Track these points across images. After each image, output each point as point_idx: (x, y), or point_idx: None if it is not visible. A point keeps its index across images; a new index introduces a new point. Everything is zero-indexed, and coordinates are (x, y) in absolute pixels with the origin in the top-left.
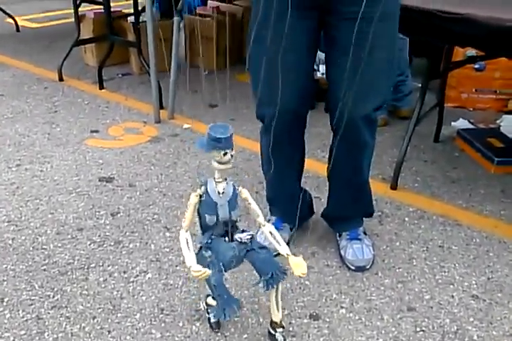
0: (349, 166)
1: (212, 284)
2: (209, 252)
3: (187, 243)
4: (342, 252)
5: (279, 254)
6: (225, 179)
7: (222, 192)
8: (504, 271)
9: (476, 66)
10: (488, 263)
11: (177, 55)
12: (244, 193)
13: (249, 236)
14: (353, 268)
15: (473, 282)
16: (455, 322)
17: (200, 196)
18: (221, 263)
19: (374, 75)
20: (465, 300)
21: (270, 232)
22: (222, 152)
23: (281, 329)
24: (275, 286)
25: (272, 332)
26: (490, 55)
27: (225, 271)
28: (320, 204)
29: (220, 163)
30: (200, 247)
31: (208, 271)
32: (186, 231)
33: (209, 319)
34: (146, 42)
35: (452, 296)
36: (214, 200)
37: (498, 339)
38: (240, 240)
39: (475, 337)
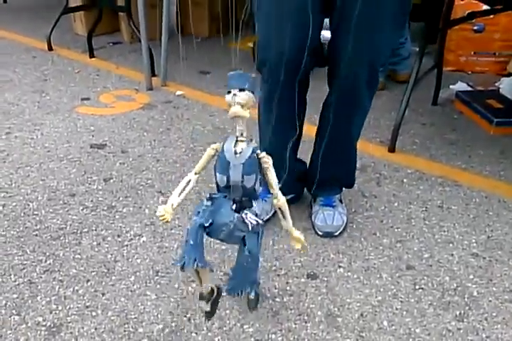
0: (339, 124)
1: (188, 228)
2: (209, 203)
3: (186, 184)
4: (312, 217)
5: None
6: (250, 140)
7: (240, 152)
8: (504, 230)
9: (475, 27)
10: (488, 222)
11: (167, 20)
12: (267, 161)
13: (255, 222)
14: (320, 233)
15: (473, 240)
16: (455, 280)
17: (217, 151)
18: (210, 220)
19: (381, 35)
20: (465, 258)
21: (280, 209)
22: (227, 91)
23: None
24: (236, 296)
25: None
26: (494, 9)
27: (209, 236)
28: None
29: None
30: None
31: (168, 218)
32: (195, 174)
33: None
34: (136, 9)
35: (452, 255)
36: (227, 159)
37: (499, 295)
38: (244, 217)
39: (475, 294)
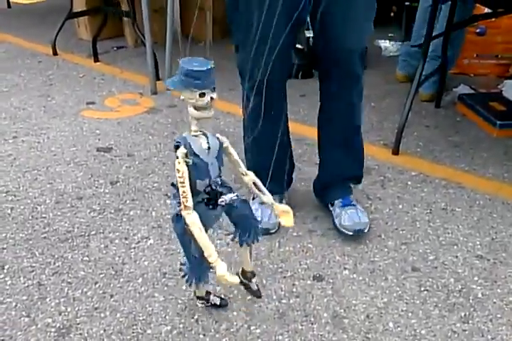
0: (341, 108)
1: (193, 255)
2: None
3: (200, 229)
4: (337, 220)
5: (263, 203)
6: (203, 133)
7: (208, 148)
8: (508, 232)
9: (478, 30)
10: (492, 224)
11: (172, 24)
12: (226, 142)
13: (235, 198)
14: (350, 233)
15: (478, 242)
16: (459, 282)
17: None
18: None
19: (364, 6)
20: (469, 260)
21: (254, 183)
22: (199, 92)
23: (255, 279)
24: (250, 244)
25: (246, 281)
26: (496, 12)
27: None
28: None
29: (196, 108)
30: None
31: (235, 281)
32: (193, 212)
33: (214, 304)
34: (140, 14)
35: (456, 256)
36: (205, 160)
37: (503, 297)
38: (224, 204)
39: (479, 295)
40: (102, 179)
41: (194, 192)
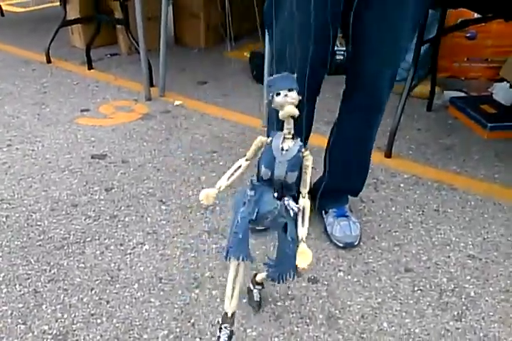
0: (361, 128)
1: (236, 220)
2: (253, 192)
3: (236, 169)
4: (329, 229)
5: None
6: (293, 137)
7: (286, 150)
8: (499, 231)
9: (468, 35)
10: (484, 225)
11: (165, 31)
12: (308, 160)
13: (296, 209)
14: (340, 245)
15: (470, 242)
16: (452, 281)
17: (263, 144)
18: (256, 209)
19: (403, 35)
20: (461, 259)
21: (304, 209)
22: (275, 92)
23: (259, 287)
24: (277, 283)
25: (251, 287)
26: (486, 17)
27: (253, 223)
28: (315, 173)
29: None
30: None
31: (210, 202)
32: (246, 160)
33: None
34: (133, 21)
35: (449, 257)
36: (274, 155)
37: (495, 295)
38: (286, 204)
39: (472, 294)
40: (97, 186)
41: (260, 175)
